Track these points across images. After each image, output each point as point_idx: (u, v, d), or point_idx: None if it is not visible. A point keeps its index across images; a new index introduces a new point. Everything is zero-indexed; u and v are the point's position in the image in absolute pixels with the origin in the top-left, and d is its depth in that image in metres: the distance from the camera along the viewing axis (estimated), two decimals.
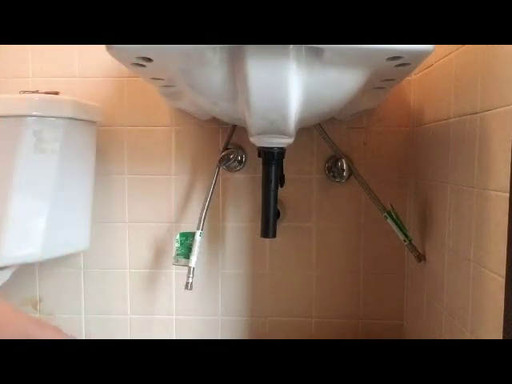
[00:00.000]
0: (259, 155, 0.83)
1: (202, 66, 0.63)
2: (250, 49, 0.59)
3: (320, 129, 1.00)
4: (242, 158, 1.05)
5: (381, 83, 0.74)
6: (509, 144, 0.58)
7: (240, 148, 1.05)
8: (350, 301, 1.08)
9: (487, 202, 0.64)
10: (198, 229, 0.95)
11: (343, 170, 0.97)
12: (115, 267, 1.09)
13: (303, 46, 0.60)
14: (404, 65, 0.62)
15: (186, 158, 1.06)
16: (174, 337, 1.10)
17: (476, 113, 0.69)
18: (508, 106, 0.59)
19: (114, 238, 1.09)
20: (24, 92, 0.95)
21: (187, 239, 0.95)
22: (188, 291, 0.93)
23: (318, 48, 0.58)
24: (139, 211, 1.08)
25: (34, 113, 0.84)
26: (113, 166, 1.07)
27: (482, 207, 0.66)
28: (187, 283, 0.92)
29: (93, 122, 0.98)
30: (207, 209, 0.97)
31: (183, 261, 0.94)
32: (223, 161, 0.97)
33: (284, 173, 0.92)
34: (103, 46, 0.59)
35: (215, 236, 1.08)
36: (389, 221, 0.93)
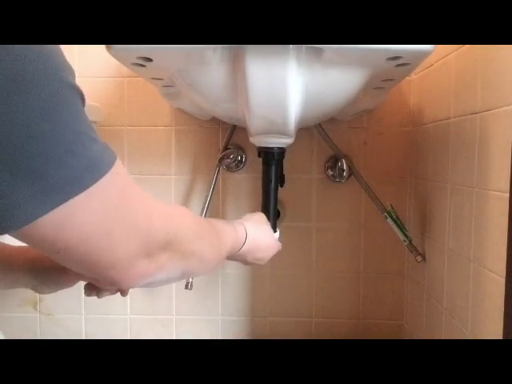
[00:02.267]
0: (259, 155, 0.83)
1: (202, 65, 0.63)
2: (250, 49, 0.59)
3: (320, 129, 1.00)
4: (242, 157, 1.05)
5: (381, 83, 0.74)
6: (509, 144, 0.58)
7: (240, 148, 1.05)
8: (350, 301, 1.07)
9: (487, 202, 0.64)
10: None
11: (343, 170, 0.97)
12: None
13: (303, 46, 0.59)
14: (404, 65, 0.62)
15: (186, 158, 1.06)
16: (174, 337, 1.10)
17: (476, 113, 0.69)
18: (508, 106, 0.59)
19: None
20: None
21: None
22: (188, 291, 0.93)
23: (318, 48, 0.58)
24: None
25: None
26: None
27: (482, 207, 0.66)
28: (187, 283, 0.92)
29: (93, 122, 0.98)
30: (207, 209, 0.97)
31: None
32: (223, 161, 0.97)
33: (284, 173, 0.92)
34: (103, 46, 0.59)
35: None
36: (389, 221, 0.93)
